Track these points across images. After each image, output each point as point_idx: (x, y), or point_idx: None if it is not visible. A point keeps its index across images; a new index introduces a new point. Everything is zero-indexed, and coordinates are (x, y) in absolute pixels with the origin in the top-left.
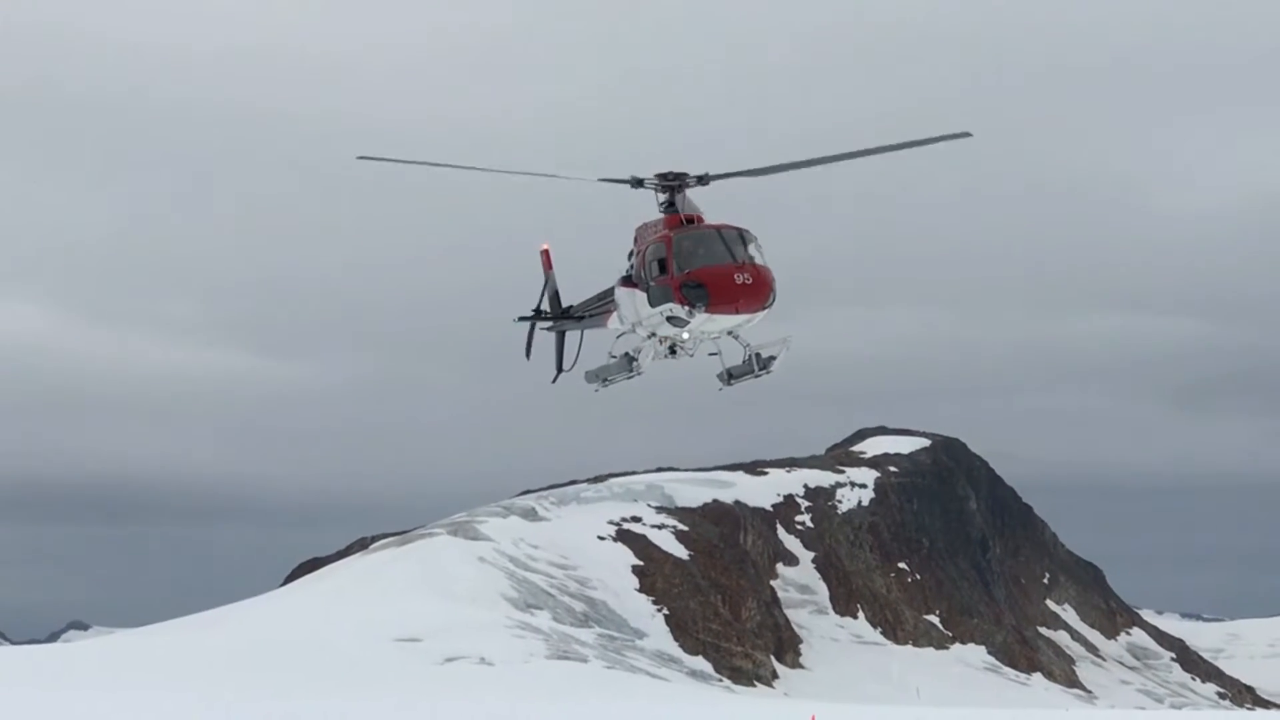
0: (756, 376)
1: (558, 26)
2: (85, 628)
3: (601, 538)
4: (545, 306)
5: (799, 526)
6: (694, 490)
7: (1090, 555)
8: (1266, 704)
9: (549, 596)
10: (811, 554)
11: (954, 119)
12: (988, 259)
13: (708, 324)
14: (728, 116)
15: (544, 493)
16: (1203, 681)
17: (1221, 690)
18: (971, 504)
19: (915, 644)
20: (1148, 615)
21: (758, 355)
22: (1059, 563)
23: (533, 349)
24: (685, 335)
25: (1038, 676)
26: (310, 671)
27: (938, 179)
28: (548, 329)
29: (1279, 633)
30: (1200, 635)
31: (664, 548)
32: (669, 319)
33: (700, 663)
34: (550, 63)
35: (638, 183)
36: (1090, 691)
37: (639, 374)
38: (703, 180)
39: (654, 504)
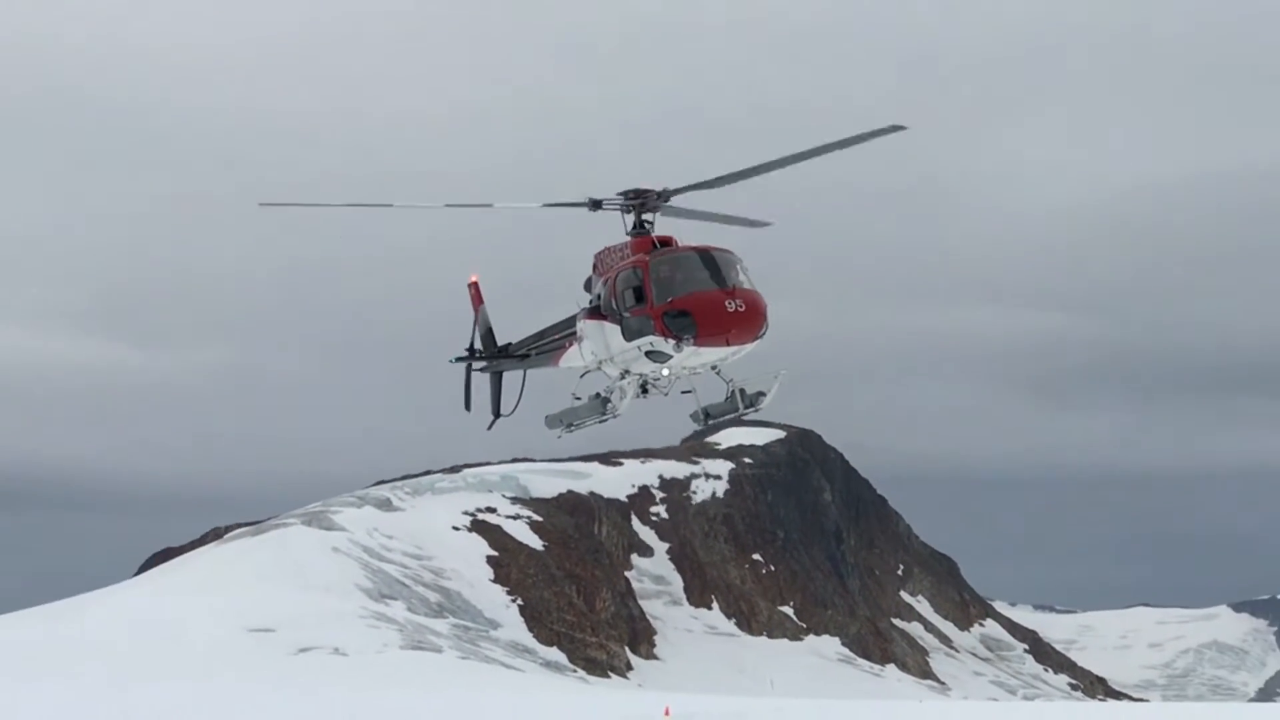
0: (740, 415)
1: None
2: None
3: (456, 528)
4: (478, 344)
5: (654, 518)
6: (549, 481)
7: (944, 547)
8: (1118, 695)
9: (403, 587)
10: (666, 545)
11: (816, 118)
12: (845, 252)
13: (693, 358)
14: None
15: (399, 483)
16: (1055, 673)
17: (1074, 681)
18: (826, 496)
19: (769, 635)
20: (1001, 607)
21: (742, 391)
22: (913, 554)
23: (472, 395)
24: (666, 371)
25: (891, 668)
26: (165, 661)
27: (797, 174)
28: (481, 369)
29: (1130, 625)
30: (1053, 627)
31: (518, 538)
32: (649, 354)
33: (555, 653)
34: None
35: (595, 204)
36: (944, 683)
37: (614, 417)
38: (662, 196)
39: (509, 494)
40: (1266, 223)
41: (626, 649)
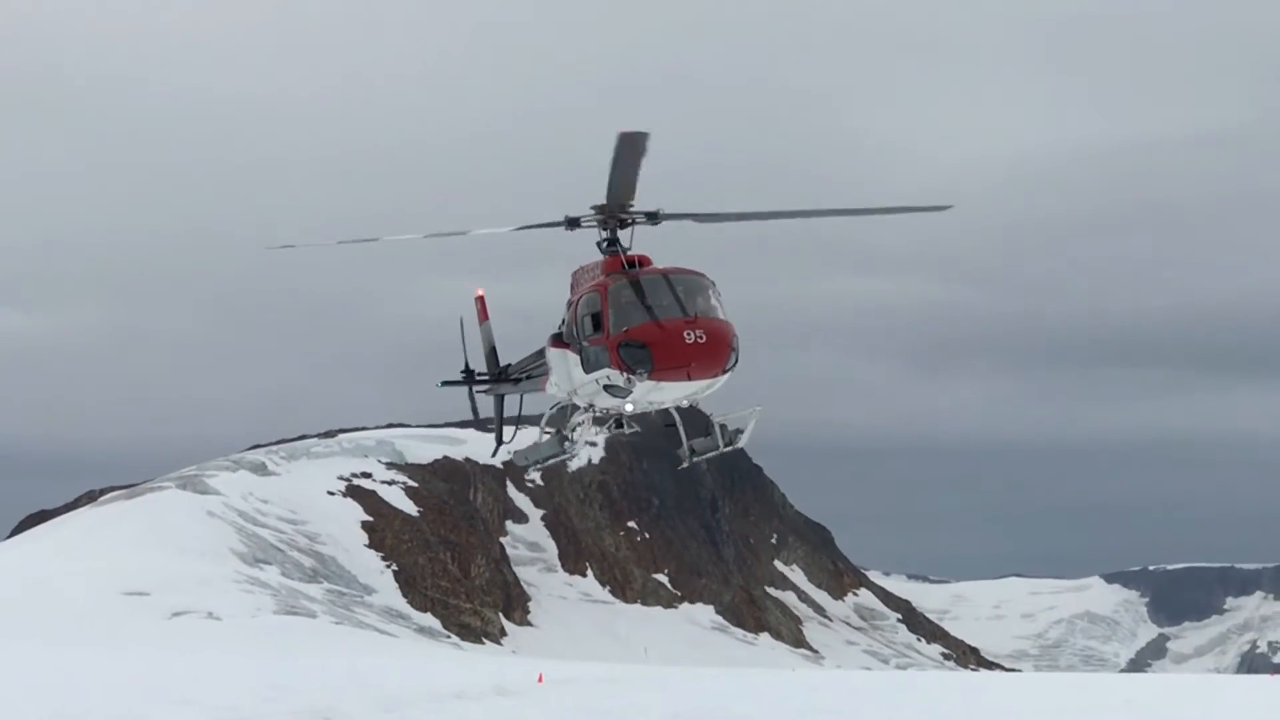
0: (722, 452)
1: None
2: None
3: (331, 493)
4: (481, 365)
5: (529, 484)
6: (424, 447)
7: (819, 516)
8: (990, 665)
9: (278, 551)
10: (541, 512)
11: (694, 80)
12: (718, 222)
13: (654, 393)
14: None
15: (274, 447)
16: (928, 642)
17: (946, 651)
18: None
19: (644, 603)
20: (875, 576)
21: (723, 427)
22: (788, 523)
23: (478, 408)
24: (629, 407)
25: (765, 636)
26: (37, 623)
27: (664, 132)
28: (484, 392)
29: (1003, 595)
30: (927, 597)
31: (394, 504)
32: (606, 388)
33: (429, 619)
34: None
35: (573, 223)
36: (817, 651)
37: (571, 455)
38: (653, 218)
39: (384, 460)
40: (1140, 197)
41: (501, 615)
